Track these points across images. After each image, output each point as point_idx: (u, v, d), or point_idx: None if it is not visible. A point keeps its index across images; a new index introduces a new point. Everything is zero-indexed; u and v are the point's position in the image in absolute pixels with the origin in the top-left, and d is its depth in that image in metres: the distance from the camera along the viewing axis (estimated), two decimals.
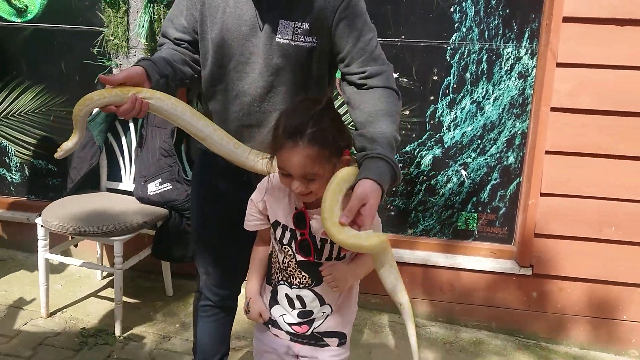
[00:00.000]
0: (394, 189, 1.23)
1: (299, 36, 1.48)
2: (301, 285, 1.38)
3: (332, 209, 1.20)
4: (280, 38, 1.48)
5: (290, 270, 1.38)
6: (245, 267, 1.73)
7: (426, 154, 2.72)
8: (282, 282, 1.41)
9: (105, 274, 2.93)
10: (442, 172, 2.72)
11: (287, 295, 1.40)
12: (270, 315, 1.45)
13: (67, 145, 1.53)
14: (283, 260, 1.38)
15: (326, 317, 1.41)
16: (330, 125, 1.23)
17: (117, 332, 2.41)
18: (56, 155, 1.56)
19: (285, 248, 1.36)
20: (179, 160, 2.54)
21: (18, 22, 2.95)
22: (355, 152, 1.35)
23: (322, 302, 1.39)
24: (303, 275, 1.37)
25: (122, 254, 2.35)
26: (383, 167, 1.27)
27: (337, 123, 1.26)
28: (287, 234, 1.35)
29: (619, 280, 2.55)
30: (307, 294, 1.38)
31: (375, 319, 2.71)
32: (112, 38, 2.74)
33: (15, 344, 2.30)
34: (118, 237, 2.31)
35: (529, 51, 2.55)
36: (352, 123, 1.47)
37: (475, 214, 2.73)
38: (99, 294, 2.78)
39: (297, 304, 1.40)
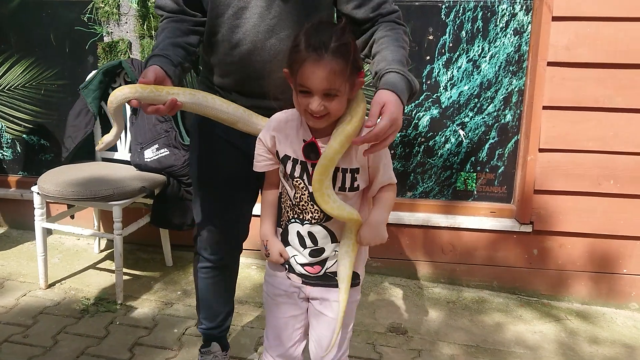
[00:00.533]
0: (414, 101, 1.25)
1: None
2: (313, 221, 1.36)
3: (322, 181, 1.26)
4: None
5: (303, 205, 1.35)
6: (245, 229, 1.76)
7: (423, 115, 2.70)
8: (293, 220, 1.38)
9: (103, 246, 2.90)
10: (440, 133, 2.71)
11: (298, 233, 1.38)
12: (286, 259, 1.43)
13: (107, 138, 1.56)
14: (294, 195, 1.36)
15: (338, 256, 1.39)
16: (353, 44, 1.23)
17: (119, 299, 2.38)
18: (97, 148, 1.64)
19: (297, 181, 1.34)
20: (176, 125, 2.51)
21: None
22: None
23: (334, 239, 1.37)
24: (315, 209, 1.35)
25: (122, 219, 2.31)
26: (396, 78, 1.29)
27: (355, 42, 1.26)
28: (298, 167, 1.32)
29: (619, 234, 2.56)
30: (318, 230, 1.36)
31: (377, 281, 2.71)
32: (103, 5, 2.69)
33: (16, 312, 2.27)
34: (117, 202, 2.28)
35: (524, 7, 2.54)
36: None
37: (474, 174, 2.73)
38: (97, 266, 2.75)
39: (309, 241, 1.38)
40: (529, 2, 2.53)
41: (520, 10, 2.55)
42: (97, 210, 2.78)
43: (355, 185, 1.33)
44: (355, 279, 1.42)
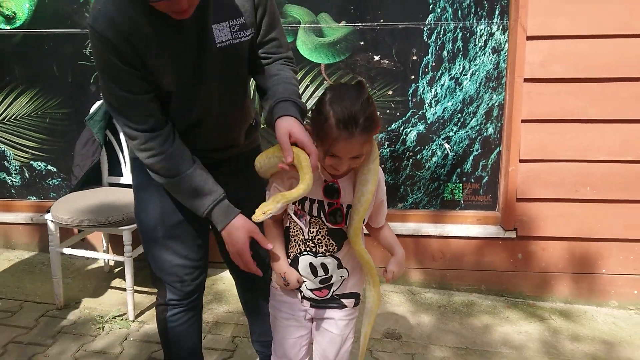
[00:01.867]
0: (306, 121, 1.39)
1: (236, 33, 1.47)
2: (327, 253, 1.51)
3: (359, 229, 1.47)
4: (220, 43, 1.45)
5: (318, 240, 1.49)
6: (207, 255, 1.77)
7: (411, 131, 2.87)
8: (305, 253, 1.51)
9: (112, 264, 3.05)
10: (426, 147, 2.88)
11: (310, 264, 1.52)
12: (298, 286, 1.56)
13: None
14: (309, 231, 1.49)
15: (343, 280, 1.55)
16: (374, 110, 1.37)
17: (131, 316, 2.54)
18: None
19: (315, 219, 1.47)
20: None
21: (7, 29, 3.04)
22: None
23: (340, 266, 1.53)
24: (331, 243, 1.49)
25: (131, 242, 2.47)
26: (286, 104, 1.45)
27: (374, 105, 1.39)
28: (315, 206, 1.46)
29: (597, 237, 2.73)
30: (330, 261, 1.51)
31: None
32: None
33: (36, 333, 2.43)
34: (126, 227, 2.44)
35: (500, 27, 2.71)
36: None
37: (460, 184, 2.90)
38: (108, 284, 2.91)
39: (321, 271, 1.52)
40: (505, 22, 2.70)
41: (497, 30, 2.72)
42: (105, 233, 2.93)
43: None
44: (357, 299, 1.59)
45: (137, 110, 1.45)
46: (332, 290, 1.56)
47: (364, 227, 1.57)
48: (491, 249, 2.85)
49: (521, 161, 2.70)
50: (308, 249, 1.51)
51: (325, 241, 1.50)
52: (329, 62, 2.84)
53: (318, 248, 1.50)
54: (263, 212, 1.36)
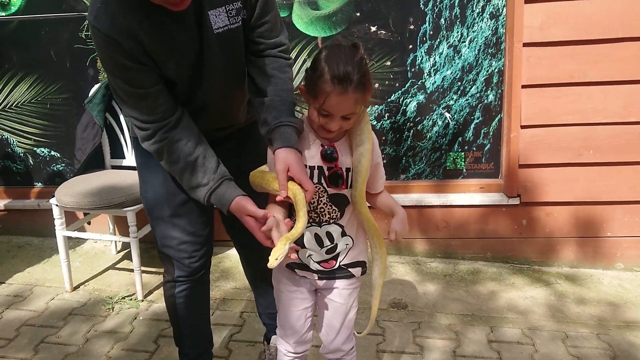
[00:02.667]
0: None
1: (234, 18, 1.46)
2: (331, 221, 1.52)
3: (363, 190, 1.48)
4: (218, 29, 1.45)
5: (321, 208, 1.50)
6: (212, 231, 1.78)
7: (410, 101, 2.85)
8: (309, 224, 1.51)
9: (119, 247, 3.09)
10: (427, 117, 2.86)
11: (316, 235, 1.52)
12: (297, 259, 1.54)
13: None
14: (311, 200, 1.48)
15: (349, 250, 1.56)
16: (368, 71, 1.37)
17: (140, 296, 2.58)
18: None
19: (316, 186, 1.47)
20: None
21: (2, 16, 3.03)
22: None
23: (344, 234, 1.54)
24: (333, 209, 1.50)
25: (135, 223, 2.50)
26: (287, 131, 1.45)
27: (368, 68, 1.39)
28: (315, 172, 1.47)
29: (601, 200, 2.73)
30: (334, 229, 1.52)
31: None
32: None
33: (47, 316, 2.47)
34: (130, 208, 2.46)
35: None
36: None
37: (462, 153, 2.89)
38: (116, 266, 2.94)
39: (326, 241, 1.53)
40: None
41: None
42: (111, 215, 2.96)
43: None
44: (363, 267, 1.60)
45: (147, 102, 1.45)
46: (338, 260, 1.57)
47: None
48: (495, 217, 2.85)
49: (522, 127, 2.69)
50: (311, 219, 1.52)
51: (328, 208, 1.50)
52: (325, 35, 2.81)
53: (321, 217, 1.51)
54: (275, 258, 1.36)
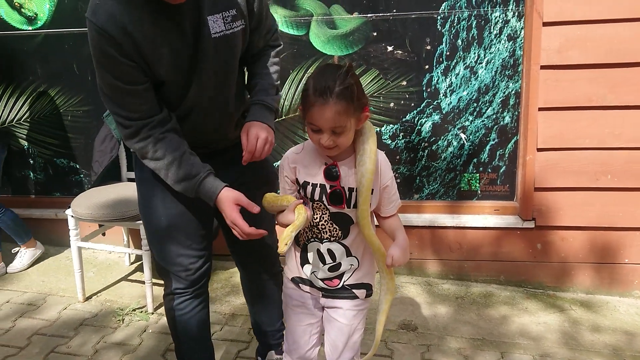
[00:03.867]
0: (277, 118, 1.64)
1: (229, 24, 1.52)
2: (332, 239, 1.53)
3: (366, 210, 1.47)
4: (215, 34, 1.49)
5: (322, 225, 1.52)
6: (210, 244, 1.81)
7: (426, 121, 2.85)
8: (312, 240, 1.54)
9: (133, 259, 3.12)
10: (442, 137, 2.85)
11: (318, 251, 1.54)
12: (302, 273, 1.59)
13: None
14: (314, 217, 1.52)
15: (354, 270, 1.56)
16: (354, 83, 1.39)
17: (150, 309, 2.59)
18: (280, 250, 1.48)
19: (317, 203, 1.50)
20: None
21: (29, 30, 3.12)
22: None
23: (349, 254, 1.54)
24: (334, 228, 1.52)
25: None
26: (255, 108, 1.64)
27: (358, 82, 1.42)
28: (317, 190, 1.49)
29: (618, 226, 2.68)
30: (337, 247, 1.53)
31: None
32: None
33: (59, 325, 2.50)
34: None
35: (516, 13, 2.66)
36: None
37: (477, 175, 2.87)
38: (129, 278, 2.97)
39: (328, 258, 1.54)
40: (520, 8, 2.65)
41: (512, 17, 2.67)
42: (125, 227, 2.99)
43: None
44: (368, 290, 1.59)
45: (133, 99, 1.48)
46: (343, 280, 1.57)
47: (374, 216, 1.58)
48: (509, 240, 2.81)
49: (539, 150, 2.66)
50: (314, 235, 1.54)
51: (329, 226, 1.52)
52: (342, 54, 2.83)
53: (322, 234, 1.53)
54: (285, 243, 1.43)
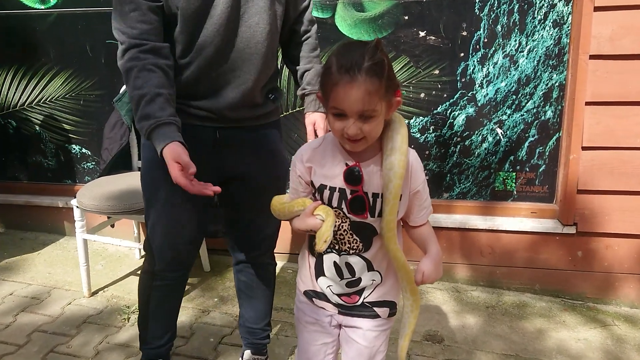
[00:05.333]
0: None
1: None
2: (351, 252, 1.32)
3: (393, 221, 1.26)
4: None
5: (340, 235, 1.31)
6: (201, 235, 1.79)
7: (459, 114, 2.62)
8: (329, 250, 1.34)
9: (143, 252, 2.97)
10: (476, 132, 2.62)
11: (335, 264, 1.34)
12: (316, 287, 1.40)
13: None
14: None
15: (376, 286, 1.36)
16: (385, 59, 1.17)
17: None
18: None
19: (336, 211, 1.29)
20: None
21: (42, 9, 2.97)
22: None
23: (370, 268, 1.34)
24: (354, 239, 1.31)
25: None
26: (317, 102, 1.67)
27: (389, 60, 1.19)
28: (336, 195, 1.28)
29: None
30: (356, 261, 1.32)
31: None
32: None
33: (61, 322, 2.36)
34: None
35: None
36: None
37: (514, 174, 2.63)
38: (138, 272, 2.81)
39: (346, 272, 1.34)
40: None
41: (559, 1, 2.41)
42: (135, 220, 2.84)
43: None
44: (392, 309, 1.39)
45: (132, 11, 1.43)
46: (363, 296, 1.37)
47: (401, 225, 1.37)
48: (547, 246, 2.57)
49: (584, 148, 2.41)
50: (331, 245, 1.33)
51: (348, 237, 1.31)
52: (369, 39, 2.61)
53: (341, 245, 1.32)
54: (324, 240, 1.23)
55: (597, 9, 2.28)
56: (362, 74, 1.13)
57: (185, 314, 2.42)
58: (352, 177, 1.26)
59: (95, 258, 2.90)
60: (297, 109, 2.76)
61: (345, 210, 1.28)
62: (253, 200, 1.70)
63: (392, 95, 1.20)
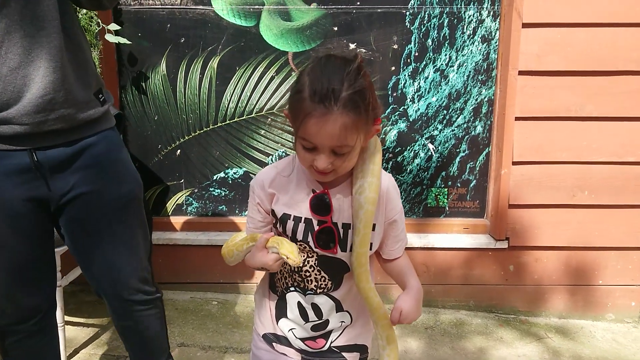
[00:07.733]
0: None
1: None
2: (318, 291, 1.14)
3: (365, 254, 1.10)
4: None
5: (306, 272, 1.13)
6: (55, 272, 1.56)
7: (391, 129, 2.53)
8: (292, 289, 1.16)
9: None
10: (408, 148, 2.55)
11: (299, 305, 1.16)
12: (277, 330, 1.21)
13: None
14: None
15: (345, 328, 1.18)
16: (367, 86, 1.00)
17: (62, 358, 2.07)
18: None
19: (301, 245, 1.11)
20: None
21: None
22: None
23: (340, 309, 1.17)
24: (322, 277, 1.13)
25: (61, 268, 2.00)
26: None
27: (371, 84, 1.03)
28: (301, 226, 1.10)
29: (594, 245, 2.50)
30: (324, 301, 1.15)
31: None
32: None
33: None
34: (56, 249, 1.96)
35: (491, 13, 2.41)
36: None
37: (445, 189, 2.59)
38: None
39: (312, 314, 1.16)
40: (496, 7, 2.40)
41: (487, 17, 2.42)
42: None
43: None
44: (363, 353, 1.23)
45: None
46: (330, 339, 1.19)
47: (375, 258, 1.22)
48: (481, 261, 2.55)
49: (514, 163, 2.42)
50: (295, 283, 1.16)
51: (315, 274, 1.14)
52: (297, 50, 2.45)
53: (306, 283, 1.14)
54: (293, 256, 1.05)
55: (525, 25, 2.30)
56: (339, 106, 0.96)
57: None
58: (320, 205, 1.09)
59: None
60: (237, 118, 2.53)
61: (311, 244, 1.11)
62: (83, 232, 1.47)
63: (372, 125, 1.05)
